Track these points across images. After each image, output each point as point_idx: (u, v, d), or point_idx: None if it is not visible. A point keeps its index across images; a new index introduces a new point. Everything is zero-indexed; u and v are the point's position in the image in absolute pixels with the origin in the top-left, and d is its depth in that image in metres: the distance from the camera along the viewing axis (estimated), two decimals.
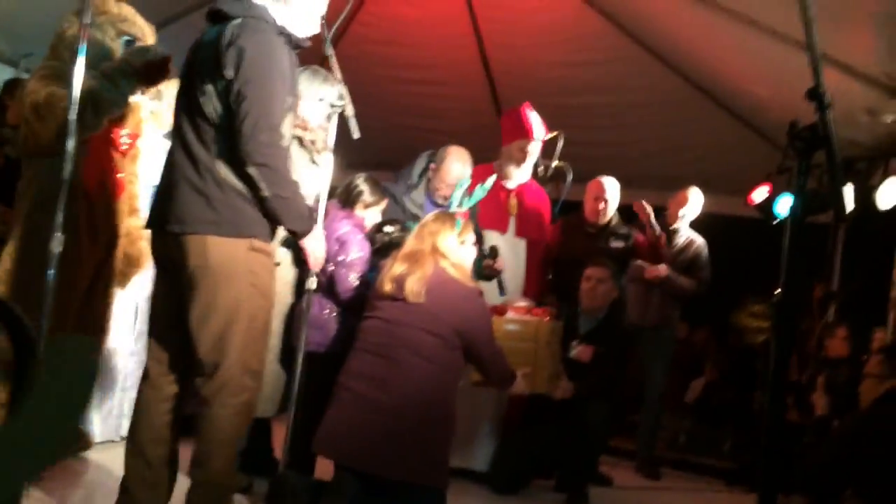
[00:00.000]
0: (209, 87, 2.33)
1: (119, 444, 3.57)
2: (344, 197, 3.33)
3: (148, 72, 2.99)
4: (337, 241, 3.17)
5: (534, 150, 4.17)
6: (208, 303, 2.31)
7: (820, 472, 2.50)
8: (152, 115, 3.51)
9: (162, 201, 2.42)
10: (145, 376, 2.50)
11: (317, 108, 3.18)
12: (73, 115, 2.09)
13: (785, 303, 1.51)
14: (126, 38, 3.11)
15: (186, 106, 2.41)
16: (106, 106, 2.91)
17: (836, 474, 2.47)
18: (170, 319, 2.45)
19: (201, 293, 2.31)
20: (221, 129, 2.33)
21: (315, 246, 2.67)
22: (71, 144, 2.02)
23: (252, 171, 2.29)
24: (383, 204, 3.40)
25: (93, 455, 3.36)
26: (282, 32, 2.43)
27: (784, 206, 4.24)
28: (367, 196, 3.31)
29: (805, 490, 2.85)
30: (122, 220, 3.26)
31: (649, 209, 4.47)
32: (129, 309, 3.59)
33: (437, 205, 3.76)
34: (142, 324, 3.68)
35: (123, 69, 2.95)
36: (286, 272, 3.14)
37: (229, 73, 2.29)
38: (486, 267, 3.76)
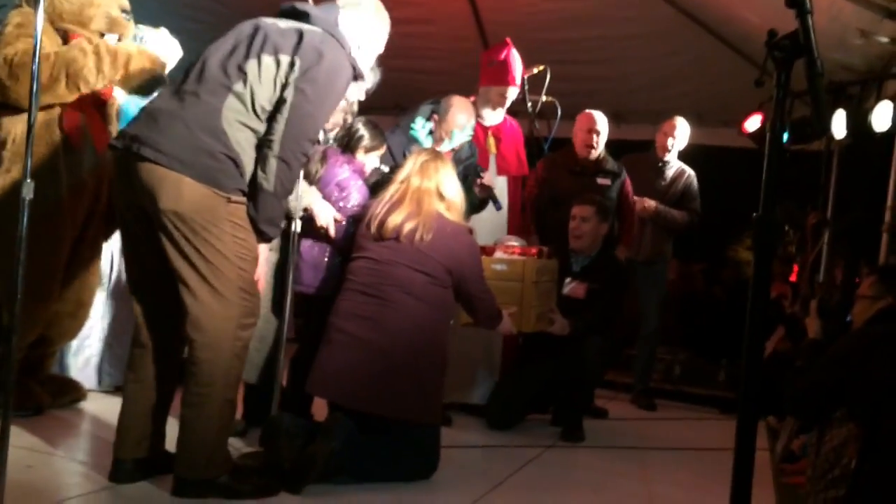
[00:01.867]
0: (265, 62, 2.33)
1: (96, 393, 3.60)
2: (345, 141, 3.28)
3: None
4: (337, 186, 3.14)
5: (512, 95, 4.11)
6: (187, 244, 2.26)
7: (811, 392, 2.50)
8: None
9: (137, 123, 2.35)
10: (136, 341, 2.48)
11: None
12: (35, 58, 2.02)
13: (764, 221, 1.48)
14: None
15: (224, 56, 2.36)
16: (82, 85, 2.90)
17: (827, 394, 2.47)
18: (149, 273, 2.42)
19: (179, 234, 2.26)
20: (247, 100, 2.32)
21: (320, 207, 2.92)
22: (34, 87, 1.96)
23: (273, 160, 2.32)
24: (383, 149, 3.37)
25: (84, 405, 3.39)
26: (353, 64, 2.50)
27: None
28: (367, 141, 3.26)
29: (795, 411, 2.87)
30: (107, 169, 3.22)
31: (650, 204, 4.59)
32: (106, 258, 3.57)
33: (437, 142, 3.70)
34: (116, 273, 3.66)
35: (115, 59, 2.92)
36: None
37: (299, 67, 2.32)
38: (477, 187, 3.70)
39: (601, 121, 4.47)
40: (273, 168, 2.32)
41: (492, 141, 4.19)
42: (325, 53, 2.36)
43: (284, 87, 2.33)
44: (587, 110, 4.54)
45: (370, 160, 3.31)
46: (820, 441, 2.76)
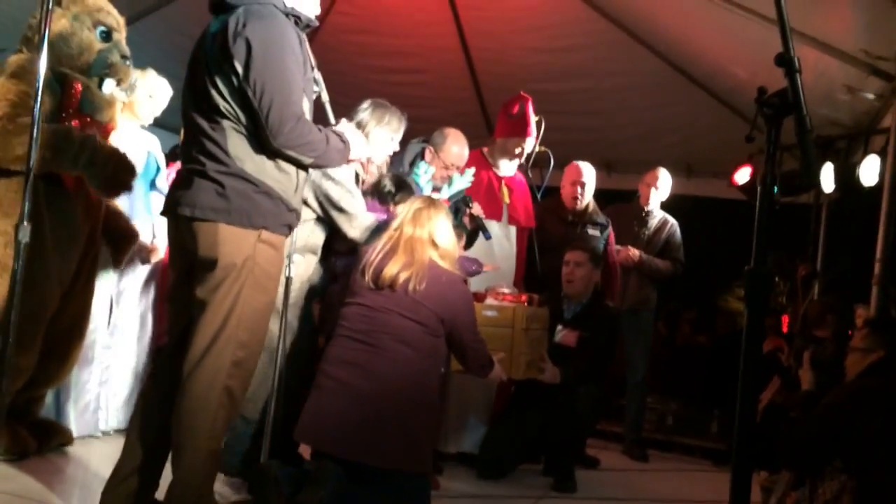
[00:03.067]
0: (220, 83, 2.32)
1: (98, 438, 3.56)
2: (375, 196, 3.31)
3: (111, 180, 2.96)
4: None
5: (529, 147, 4.19)
6: (210, 292, 2.33)
7: (805, 444, 2.50)
8: (125, 106, 3.48)
9: (176, 189, 2.44)
10: (162, 360, 2.52)
11: (383, 147, 3.22)
12: (37, 106, 2.05)
13: (756, 273, 1.50)
14: (101, 28, 3.08)
15: (194, 100, 2.40)
16: (55, 167, 2.83)
17: (820, 447, 2.47)
18: (184, 302, 2.45)
19: (205, 282, 2.34)
20: (235, 121, 2.34)
21: (355, 142, 2.73)
22: (35, 131, 1.98)
23: (290, 153, 2.37)
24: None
25: (71, 450, 3.34)
26: (289, 13, 2.41)
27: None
28: (398, 197, 3.25)
29: (789, 463, 2.85)
30: (101, 214, 3.23)
31: (634, 253, 4.66)
32: (104, 302, 3.56)
33: (435, 189, 3.72)
34: (117, 318, 3.66)
35: (92, 158, 2.86)
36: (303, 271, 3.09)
37: (240, 66, 2.27)
38: (465, 216, 3.68)
39: (587, 172, 4.54)
40: (295, 156, 2.38)
41: (506, 191, 4.25)
42: (251, 36, 2.26)
43: (242, 93, 2.31)
44: (575, 162, 4.61)
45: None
46: (813, 494, 2.75)
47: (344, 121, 2.97)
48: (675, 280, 4.97)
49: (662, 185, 4.86)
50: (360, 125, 3.13)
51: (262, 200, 2.37)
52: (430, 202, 3.05)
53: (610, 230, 4.62)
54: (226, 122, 2.34)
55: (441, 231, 2.98)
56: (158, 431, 2.43)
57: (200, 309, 2.34)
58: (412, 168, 3.78)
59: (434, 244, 2.94)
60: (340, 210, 3.02)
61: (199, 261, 2.35)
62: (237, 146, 2.35)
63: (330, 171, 2.95)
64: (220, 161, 2.34)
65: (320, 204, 3.01)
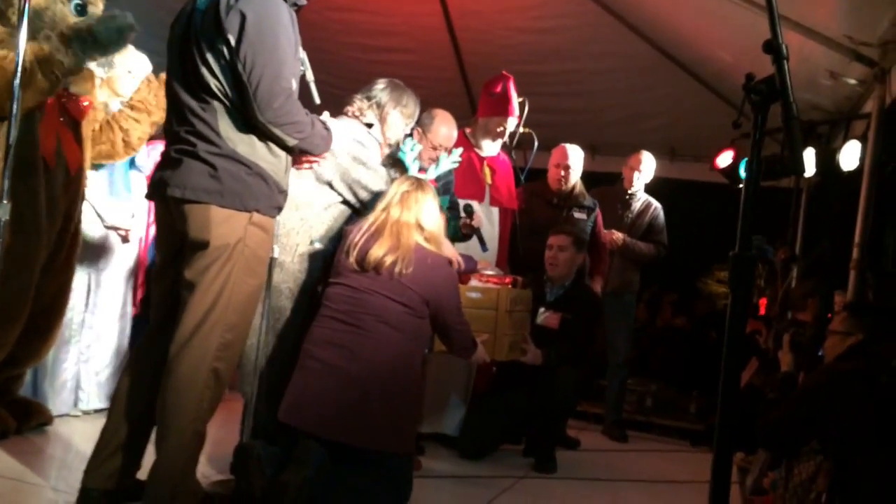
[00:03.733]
0: (211, 60, 2.29)
1: (77, 417, 3.54)
2: None
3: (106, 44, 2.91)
4: None
5: (511, 126, 4.17)
6: (199, 273, 2.32)
7: (782, 425, 2.54)
8: (104, 82, 3.43)
9: (163, 170, 2.39)
10: (146, 339, 2.51)
11: (400, 129, 3.21)
12: (17, 80, 2.01)
13: (740, 258, 1.51)
14: (76, 2, 3.02)
15: (182, 77, 2.36)
16: (58, 70, 2.83)
17: (798, 428, 2.51)
18: (171, 282, 2.45)
19: (195, 263, 2.32)
20: (226, 101, 2.32)
21: (336, 134, 2.78)
22: (15, 108, 1.95)
23: (275, 131, 2.35)
24: None
25: (51, 430, 3.33)
26: None
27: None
28: (393, 175, 3.25)
29: (767, 443, 2.90)
30: (80, 189, 3.20)
31: (617, 236, 4.70)
32: (83, 281, 3.53)
33: (421, 169, 3.70)
34: (97, 297, 3.63)
35: (82, 37, 2.86)
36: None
37: (232, 39, 2.24)
38: (463, 226, 3.71)
39: (573, 155, 4.54)
40: (280, 134, 2.36)
41: (488, 171, 4.23)
42: (245, 11, 2.25)
43: (233, 68, 2.28)
44: (562, 144, 4.61)
45: None
46: (788, 475, 2.79)
47: (326, 113, 2.94)
48: (658, 263, 5.01)
49: (646, 168, 4.89)
50: (377, 105, 3.10)
51: (254, 182, 2.36)
52: (418, 184, 3.02)
53: (598, 213, 4.62)
54: (216, 103, 2.32)
55: (428, 214, 2.96)
56: (142, 410, 2.43)
57: (189, 290, 2.33)
58: (396, 148, 3.76)
59: (420, 227, 2.93)
60: (371, 192, 3.01)
61: (189, 242, 2.33)
62: (229, 127, 2.33)
63: (360, 155, 2.96)
64: (212, 142, 2.32)
65: (349, 188, 2.99)
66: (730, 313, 1.56)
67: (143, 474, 2.45)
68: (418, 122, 3.71)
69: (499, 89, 4.14)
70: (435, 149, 3.64)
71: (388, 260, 2.84)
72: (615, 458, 4.35)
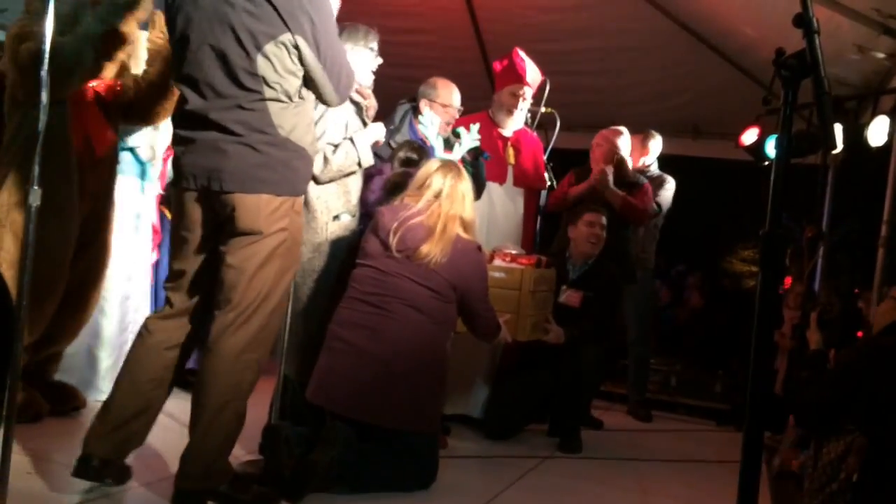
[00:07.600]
0: (275, 50, 2.29)
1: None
2: (403, 166, 3.34)
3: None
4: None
5: (526, 94, 4.09)
6: (246, 259, 2.34)
7: (822, 404, 2.47)
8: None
9: (202, 159, 2.34)
10: (154, 319, 2.52)
11: (367, 65, 3.24)
12: (44, 69, 2.03)
13: (770, 236, 1.50)
14: None
15: (224, 68, 2.30)
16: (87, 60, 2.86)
17: (839, 406, 2.43)
18: (203, 267, 2.46)
19: (243, 250, 2.34)
20: (278, 92, 2.33)
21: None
22: (44, 96, 1.97)
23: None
24: None
25: (84, 411, 3.35)
26: None
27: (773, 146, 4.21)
28: (422, 164, 3.22)
29: (806, 424, 2.85)
30: (111, 170, 3.24)
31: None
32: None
33: (447, 147, 3.64)
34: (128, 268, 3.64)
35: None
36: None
37: (303, 37, 2.31)
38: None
39: (622, 143, 4.50)
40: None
41: (510, 151, 4.17)
42: (308, 9, 2.32)
43: (294, 61, 2.35)
44: (608, 131, 4.55)
45: None
46: (818, 454, 2.77)
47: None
48: (679, 242, 4.94)
49: (652, 150, 4.87)
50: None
51: (302, 166, 2.43)
52: (459, 174, 3.03)
53: (644, 188, 4.49)
54: (268, 91, 2.32)
55: (469, 207, 3.01)
56: (153, 385, 2.45)
57: (236, 275, 2.34)
58: (402, 123, 3.71)
59: (462, 220, 2.96)
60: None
61: (236, 229, 2.34)
62: (279, 115, 2.35)
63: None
64: (263, 131, 2.33)
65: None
66: (759, 293, 1.54)
67: (139, 467, 2.51)
68: (422, 96, 3.69)
69: (506, 62, 4.11)
70: (445, 108, 3.62)
71: (436, 257, 2.86)
72: (641, 438, 4.35)
